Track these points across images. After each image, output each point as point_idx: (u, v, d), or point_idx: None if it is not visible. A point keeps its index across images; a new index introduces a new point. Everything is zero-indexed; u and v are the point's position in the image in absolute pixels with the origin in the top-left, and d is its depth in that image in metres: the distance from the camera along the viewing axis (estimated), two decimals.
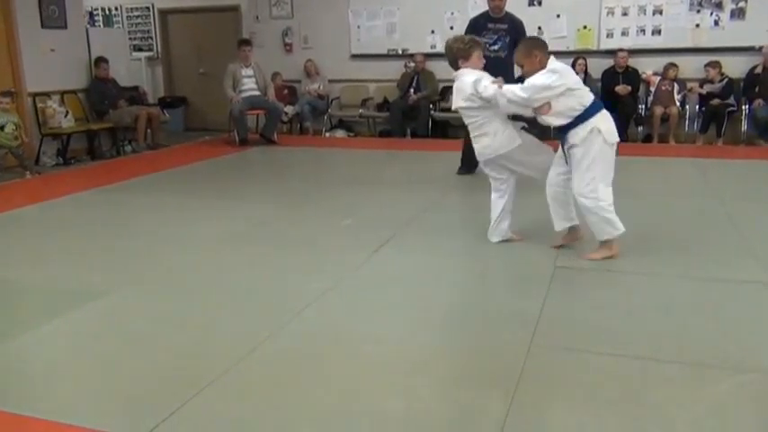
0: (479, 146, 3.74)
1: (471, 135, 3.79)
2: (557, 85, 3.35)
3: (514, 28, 5.69)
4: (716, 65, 7.85)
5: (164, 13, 10.57)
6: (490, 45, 5.59)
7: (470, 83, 3.59)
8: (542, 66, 3.43)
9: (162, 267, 3.65)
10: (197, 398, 2.23)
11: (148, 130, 8.26)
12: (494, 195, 3.83)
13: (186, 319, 2.95)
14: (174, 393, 2.26)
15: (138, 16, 10.70)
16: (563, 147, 3.52)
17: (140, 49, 10.67)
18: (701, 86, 7.95)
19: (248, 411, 2.18)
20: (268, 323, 2.83)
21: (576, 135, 3.41)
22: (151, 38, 10.67)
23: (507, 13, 5.78)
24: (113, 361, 2.56)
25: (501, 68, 5.39)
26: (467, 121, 3.76)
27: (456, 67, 3.75)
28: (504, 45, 5.65)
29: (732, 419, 2.08)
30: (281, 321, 2.84)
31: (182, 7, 10.33)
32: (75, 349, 2.71)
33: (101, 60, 8.09)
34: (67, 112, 7.62)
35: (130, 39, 10.58)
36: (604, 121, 3.45)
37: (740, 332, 2.69)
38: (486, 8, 5.83)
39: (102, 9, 10.79)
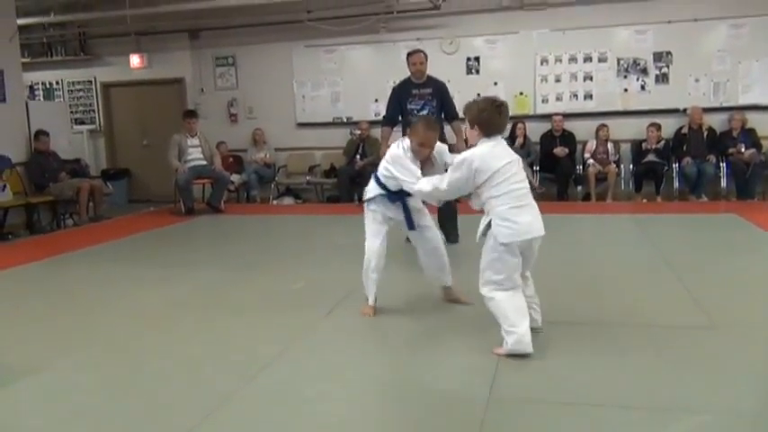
0: None
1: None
2: None
3: (439, 91, 5.58)
4: (657, 127, 8.28)
5: (106, 87, 10.55)
6: (418, 111, 5.52)
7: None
8: None
9: (105, 338, 3.51)
10: None
11: (91, 203, 8.09)
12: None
13: (133, 389, 2.82)
14: None
15: (80, 90, 10.64)
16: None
17: (82, 122, 10.58)
18: (641, 145, 8.34)
19: None
20: (221, 388, 2.74)
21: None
22: (93, 111, 10.60)
23: (430, 77, 5.67)
24: None
25: None
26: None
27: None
28: (431, 110, 5.52)
29: None
30: (235, 386, 2.76)
31: (125, 80, 10.35)
32: (13, 427, 2.55)
33: (41, 133, 7.96)
34: (5, 185, 7.41)
35: (72, 112, 10.50)
36: None
37: (687, 375, 2.76)
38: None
39: (43, 83, 10.72)
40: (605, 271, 4.62)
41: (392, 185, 3.57)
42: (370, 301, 3.74)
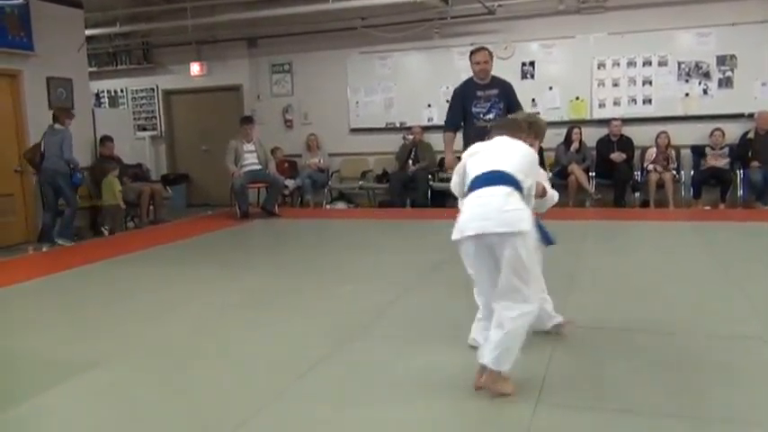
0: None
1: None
2: None
3: (505, 92, 5.18)
4: (722, 132, 8.05)
5: (168, 94, 10.90)
6: (484, 114, 5.13)
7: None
8: None
9: (160, 336, 3.62)
10: None
11: (151, 207, 8.37)
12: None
13: (187, 386, 2.90)
14: None
15: (143, 97, 11.03)
16: None
17: (144, 129, 10.95)
18: (704, 150, 8.12)
19: None
20: (270, 387, 2.79)
21: None
22: (155, 117, 10.96)
23: (494, 77, 5.27)
24: (115, 429, 2.52)
25: None
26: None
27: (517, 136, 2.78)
28: (498, 113, 5.07)
29: None
30: (281, 387, 2.80)
31: (185, 88, 10.67)
32: (73, 419, 2.66)
33: (106, 139, 8.29)
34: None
35: (135, 119, 10.89)
36: None
37: (744, 387, 2.65)
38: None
39: (108, 91, 11.15)
40: (663, 279, 4.48)
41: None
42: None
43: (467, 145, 5.21)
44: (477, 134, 5.06)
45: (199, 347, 3.42)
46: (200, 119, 10.70)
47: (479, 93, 5.18)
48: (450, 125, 5.41)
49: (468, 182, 2.68)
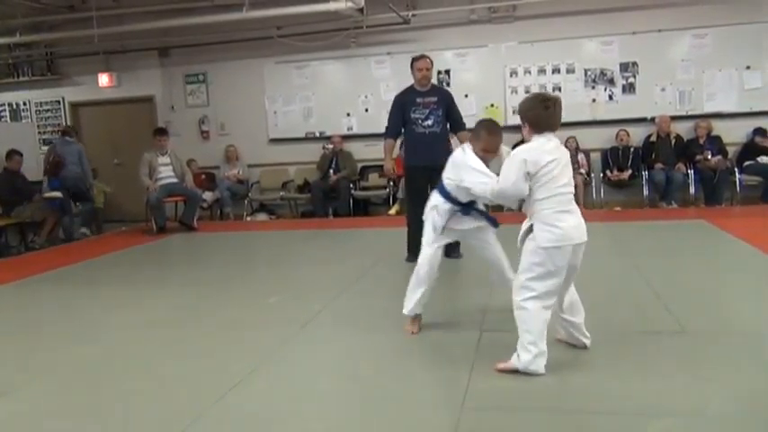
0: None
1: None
2: None
3: (444, 99, 5.33)
4: (626, 132, 8.51)
5: (75, 107, 10.44)
6: (422, 121, 5.25)
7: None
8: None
9: (75, 360, 3.44)
10: None
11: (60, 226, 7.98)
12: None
13: (103, 411, 2.77)
14: None
15: (48, 110, 10.52)
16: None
17: (51, 143, 10.41)
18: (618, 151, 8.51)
19: None
20: (190, 409, 2.70)
21: None
22: None
23: (434, 86, 5.49)
24: None
25: (437, 145, 5.17)
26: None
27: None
28: (436, 119, 5.25)
29: None
30: (204, 406, 2.72)
31: (94, 100, 10.25)
32: None
33: (14, 153, 7.84)
34: None
35: (40, 132, 10.37)
36: None
37: (657, 379, 2.78)
38: (411, 83, 5.40)
39: (10, 104, 10.57)
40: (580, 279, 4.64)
41: (464, 196, 3.34)
42: (407, 311, 3.50)
43: (407, 151, 5.42)
44: (416, 140, 5.33)
45: (116, 370, 3.27)
46: (111, 132, 10.30)
47: (419, 99, 5.29)
48: (391, 133, 5.46)
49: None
